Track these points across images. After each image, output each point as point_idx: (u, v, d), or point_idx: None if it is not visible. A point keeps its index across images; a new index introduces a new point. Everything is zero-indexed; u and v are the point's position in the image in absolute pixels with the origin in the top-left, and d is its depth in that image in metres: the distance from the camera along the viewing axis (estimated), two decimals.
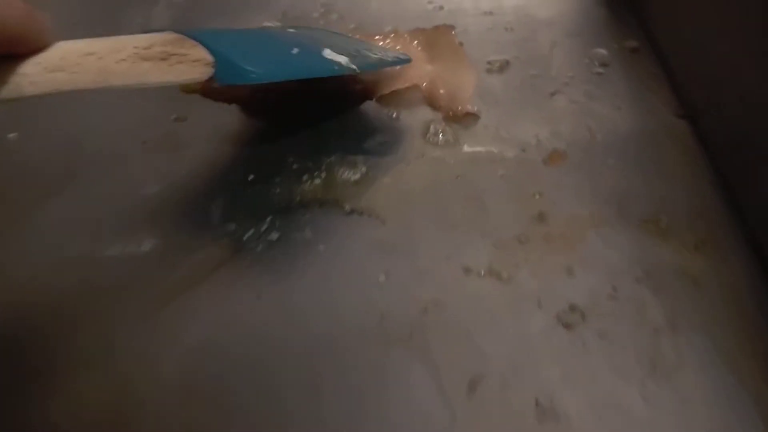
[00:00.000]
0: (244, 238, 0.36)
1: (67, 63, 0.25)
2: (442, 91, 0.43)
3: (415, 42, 0.46)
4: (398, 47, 0.46)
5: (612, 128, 0.42)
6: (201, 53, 0.29)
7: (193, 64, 0.28)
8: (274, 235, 0.37)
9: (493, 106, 0.43)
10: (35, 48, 0.25)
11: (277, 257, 0.36)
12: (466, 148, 0.41)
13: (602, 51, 0.47)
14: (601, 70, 0.46)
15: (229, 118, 0.43)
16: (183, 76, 0.28)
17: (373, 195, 0.38)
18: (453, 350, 0.32)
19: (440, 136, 0.42)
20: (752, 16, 0.35)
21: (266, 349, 0.32)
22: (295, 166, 0.40)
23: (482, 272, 0.35)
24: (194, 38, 0.29)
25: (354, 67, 0.35)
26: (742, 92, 0.36)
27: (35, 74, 0.24)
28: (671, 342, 0.32)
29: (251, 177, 0.40)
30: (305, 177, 0.39)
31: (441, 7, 0.53)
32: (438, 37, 0.46)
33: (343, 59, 0.35)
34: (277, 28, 0.46)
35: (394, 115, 0.43)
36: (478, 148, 0.41)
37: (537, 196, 0.38)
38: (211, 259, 0.35)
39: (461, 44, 0.47)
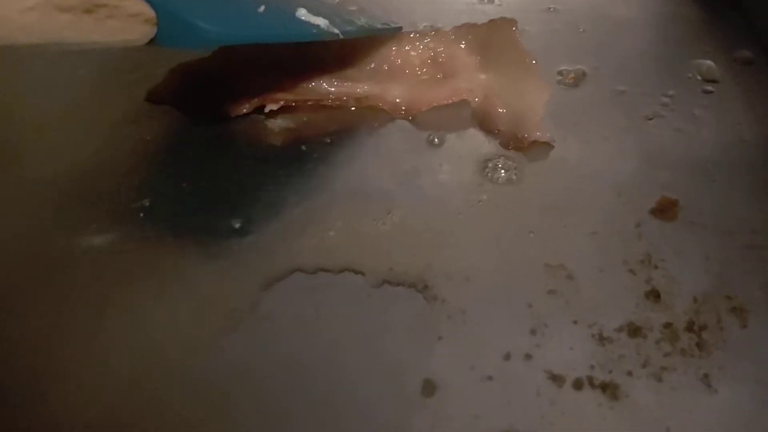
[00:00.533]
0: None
1: None
2: (501, 109, 0.31)
3: (463, 43, 0.34)
4: (440, 49, 0.34)
5: (736, 167, 0.30)
6: (138, 5, 0.23)
7: (129, 19, 0.23)
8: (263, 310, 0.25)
9: (571, 131, 0.32)
10: None
11: (270, 349, 0.24)
12: (538, 190, 0.29)
13: (708, 63, 0.36)
14: (709, 87, 0.34)
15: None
16: (114, 35, 0.23)
17: (410, 257, 0.26)
18: None
19: (500, 172, 0.30)
20: None
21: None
22: (294, 211, 0.28)
23: (579, 382, 0.22)
24: None
25: (336, 31, 0.30)
26: None
27: None
28: None
29: (238, 225, 0.28)
30: (308, 229, 0.27)
31: (490, 0, 0.41)
32: (494, 37, 0.34)
33: (321, 21, 0.30)
34: None
35: (436, 141, 0.31)
36: (555, 191, 0.29)
37: (647, 266, 0.26)
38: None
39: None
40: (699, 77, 0.35)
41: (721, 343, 0.24)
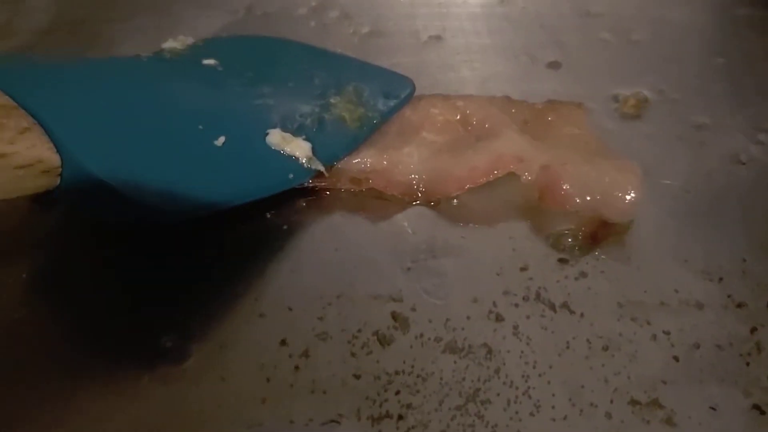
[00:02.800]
0: None
1: None
2: (566, 186, 0.22)
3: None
4: (472, 110, 0.24)
5: None
6: (38, 148, 0.16)
7: (18, 172, 0.15)
8: None
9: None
10: None
11: None
12: (606, 279, 0.20)
13: None
14: None
15: None
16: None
17: (436, 391, 0.17)
18: None
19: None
20: None
21: None
22: (261, 311, 0.19)
23: None
24: (30, 109, 0.16)
25: (318, 167, 0.22)
26: None
27: None
28: None
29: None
30: (280, 341, 0.18)
31: (509, 1, 0.32)
32: (553, 120, 0.25)
33: (300, 149, 0.22)
34: (181, 53, 0.26)
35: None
36: (627, 280, 0.21)
37: None
38: None
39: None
40: None
41: None
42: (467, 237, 0.22)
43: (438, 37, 0.30)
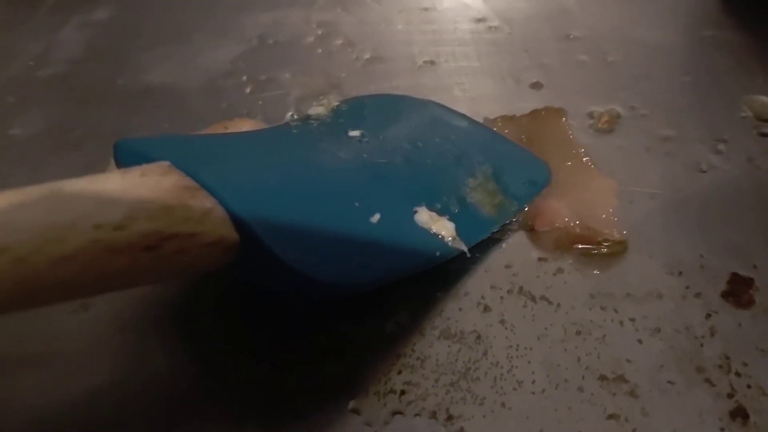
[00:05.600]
0: None
1: None
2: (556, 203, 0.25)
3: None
4: None
5: None
6: (221, 227, 0.16)
7: (205, 250, 0.16)
8: None
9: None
10: None
11: None
12: (581, 274, 0.23)
13: (762, 99, 0.30)
14: (767, 129, 0.29)
15: None
16: (182, 273, 0.17)
17: (432, 374, 0.20)
18: None
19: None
20: None
21: None
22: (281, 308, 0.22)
23: None
24: (210, 188, 0.16)
25: (462, 248, 0.22)
26: None
27: None
28: None
29: (200, 335, 0.22)
30: (294, 332, 0.21)
31: (497, 27, 0.35)
32: (538, 129, 0.28)
33: (446, 229, 0.22)
34: (325, 119, 0.26)
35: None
36: (599, 274, 0.24)
37: (726, 372, 0.20)
38: None
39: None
40: (753, 116, 0.30)
41: None
42: None
43: (432, 62, 0.34)
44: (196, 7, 0.38)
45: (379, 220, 0.20)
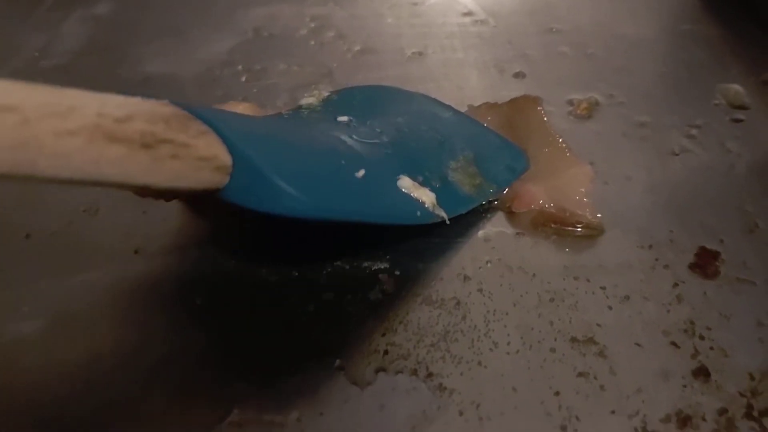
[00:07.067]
0: None
1: None
2: (534, 188, 0.27)
3: (485, 123, 0.29)
4: None
5: None
6: (213, 147, 0.18)
7: (197, 164, 0.18)
8: (236, 417, 0.20)
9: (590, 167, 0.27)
10: None
11: None
12: (556, 247, 0.25)
13: (735, 87, 0.32)
14: (739, 115, 0.30)
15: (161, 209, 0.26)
16: (174, 180, 0.17)
17: (413, 337, 0.22)
18: None
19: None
20: None
21: None
22: (273, 278, 0.24)
23: None
24: (204, 119, 0.18)
25: (442, 214, 0.23)
26: None
27: None
28: None
29: (199, 301, 0.23)
30: (292, 300, 0.23)
31: (483, 21, 0.37)
32: (518, 116, 0.29)
33: (427, 197, 0.23)
34: (316, 107, 0.28)
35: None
36: (575, 247, 0.25)
37: (691, 335, 0.22)
38: None
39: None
40: (726, 103, 0.31)
41: None
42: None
43: (420, 53, 0.35)
44: (194, 2, 0.40)
45: (363, 176, 0.22)
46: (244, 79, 0.34)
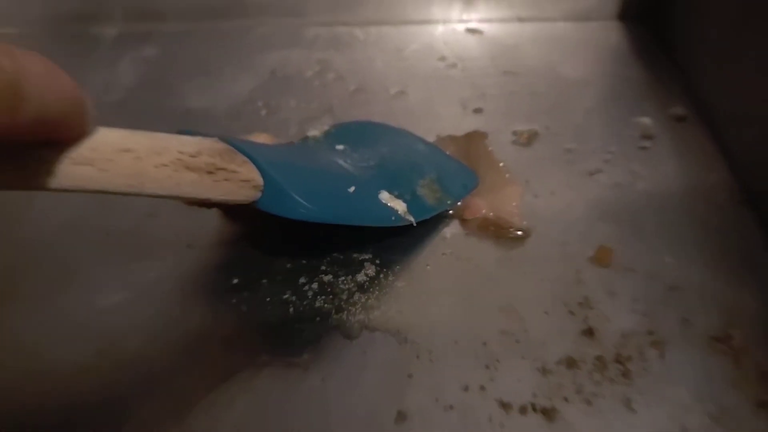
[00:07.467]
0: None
1: (98, 156, 0.20)
2: (480, 201, 0.36)
3: (447, 152, 0.39)
4: None
5: (664, 217, 0.35)
6: (251, 173, 0.26)
7: (241, 184, 0.25)
8: (264, 359, 0.29)
9: (523, 188, 0.37)
10: (73, 136, 0.20)
11: (266, 390, 0.28)
12: (497, 243, 0.34)
13: (645, 120, 0.41)
14: (646, 143, 0.40)
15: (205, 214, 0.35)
16: (227, 195, 0.25)
17: (388, 305, 0.31)
18: None
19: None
20: None
21: None
22: (288, 265, 0.33)
23: (524, 408, 0.27)
24: (244, 153, 0.26)
25: (410, 219, 0.31)
26: None
27: (58, 165, 0.19)
28: None
29: (235, 281, 0.32)
30: (302, 280, 0.32)
31: (453, 65, 0.46)
32: (470, 146, 0.39)
33: (400, 206, 0.31)
34: (320, 138, 0.38)
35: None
36: (510, 243, 0.34)
37: (585, 307, 0.31)
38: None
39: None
40: (637, 134, 0.40)
41: (643, 372, 0.29)
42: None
43: (402, 92, 0.44)
44: (223, 46, 0.49)
45: (353, 191, 0.30)
46: (263, 113, 0.43)
